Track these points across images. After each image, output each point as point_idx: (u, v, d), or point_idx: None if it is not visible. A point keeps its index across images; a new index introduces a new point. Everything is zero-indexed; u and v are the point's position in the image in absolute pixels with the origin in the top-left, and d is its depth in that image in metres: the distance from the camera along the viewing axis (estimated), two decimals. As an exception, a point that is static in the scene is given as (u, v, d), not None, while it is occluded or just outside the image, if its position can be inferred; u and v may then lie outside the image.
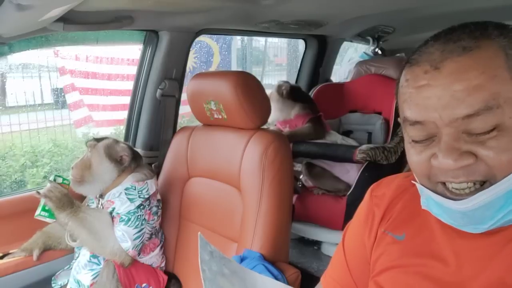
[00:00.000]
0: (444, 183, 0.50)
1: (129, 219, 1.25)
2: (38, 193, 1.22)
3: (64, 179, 1.30)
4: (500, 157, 0.45)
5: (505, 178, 0.45)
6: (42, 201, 1.23)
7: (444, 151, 0.47)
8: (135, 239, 1.24)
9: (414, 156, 0.52)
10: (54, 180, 1.28)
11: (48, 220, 1.26)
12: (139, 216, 1.26)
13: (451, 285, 0.53)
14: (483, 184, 0.47)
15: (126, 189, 1.28)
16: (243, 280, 0.62)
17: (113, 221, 1.26)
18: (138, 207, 1.27)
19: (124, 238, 1.23)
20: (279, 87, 2.04)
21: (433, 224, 0.56)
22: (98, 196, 1.34)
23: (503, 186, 0.46)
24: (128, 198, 1.27)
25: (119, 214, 1.26)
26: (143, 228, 1.27)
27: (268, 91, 1.36)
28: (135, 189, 1.29)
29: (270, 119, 2.02)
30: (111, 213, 1.27)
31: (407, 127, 0.52)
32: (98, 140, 1.34)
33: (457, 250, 0.54)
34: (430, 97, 0.47)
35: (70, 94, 2.73)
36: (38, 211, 1.24)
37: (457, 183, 0.48)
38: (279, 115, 2.05)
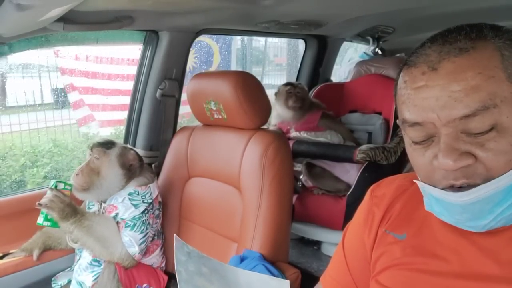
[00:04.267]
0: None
1: (134, 224, 1.25)
2: (40, 204, 1.17)
3: (65, 184, 1.25)
4: (498, 159, 0.46)
5: (506, 174, 0.46)
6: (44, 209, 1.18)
7: (443, 151, 0.47)
8: (140, 244, 1.25)
9: (418, 158, 0.52)
10: (55, 186, 1.22)
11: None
12: (144, 221, 1.26)
13: (452, 278, 0.53)
14: None
15: (129, 194, 1.28)
16: (224, 277, 0.62)
17: (117, 226, 1.26)
18: (143, 212, 1.26)
19: (131, 243, 1.23)
20: (289, 104, 1.92)
21: (434, 223, 0.56)
22: (100, 200, 1.33)
23: (503, 181, 0.46)
24: (132, 204, 1.26)
25: (124, 219, 1.25)
26: (147, 232, 1.28)
27: (268, 91, 1.35)
28: (138, 194, 1.28)
29: (273, 122, 2.02)
30: (114, 218, 1.26)
31: (407, 129, 0.52)
32: (102, 144, 1.30)
33: (459, 249, 0.54)
34: (428, 98, 0.48)
35: (72, 93, 2.73)
36: (40, 220, 1.20)
37: (459, 185, 0.48)
38: (282, 119, 2.03)
